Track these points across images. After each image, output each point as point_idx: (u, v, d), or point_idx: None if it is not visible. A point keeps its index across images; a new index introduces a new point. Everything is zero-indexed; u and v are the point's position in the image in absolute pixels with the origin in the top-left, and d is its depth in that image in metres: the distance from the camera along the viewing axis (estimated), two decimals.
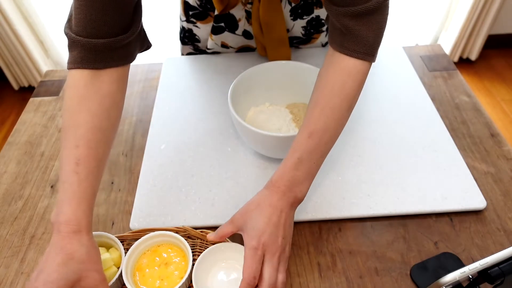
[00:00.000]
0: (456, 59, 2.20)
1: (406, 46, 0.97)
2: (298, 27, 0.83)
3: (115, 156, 0.75)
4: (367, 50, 0.54)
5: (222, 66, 0.90)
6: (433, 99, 0.82)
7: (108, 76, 0.55)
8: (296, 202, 0.56)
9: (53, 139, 0.80)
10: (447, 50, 2.14)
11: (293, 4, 0.76)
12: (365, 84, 0.85)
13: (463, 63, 2.24)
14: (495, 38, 2.23)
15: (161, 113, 0.81)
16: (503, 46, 2.31)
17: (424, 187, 0.66)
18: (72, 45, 0.54)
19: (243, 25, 0.81)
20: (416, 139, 0.73)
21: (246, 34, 0.84)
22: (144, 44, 0.61)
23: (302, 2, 0.77)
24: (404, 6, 1.99)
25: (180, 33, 0.91)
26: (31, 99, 0.89)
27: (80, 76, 0.53)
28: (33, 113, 0.86)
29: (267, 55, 0.84)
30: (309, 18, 0.81)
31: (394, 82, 0.86)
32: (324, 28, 0.86)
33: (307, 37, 0.87)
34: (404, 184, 0.66)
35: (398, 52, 0.94)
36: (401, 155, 0.71)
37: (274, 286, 0.49)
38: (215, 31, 0.83)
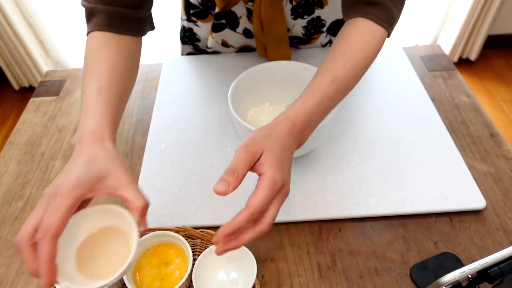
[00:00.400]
0: (455, 59, 2.20)
1: (406, 47, 0.97)
2: (298, 26, 0.83)
3: None
4: (389, 20, 0.57)
5: (222, 66, 0.90)
6: (433, 99, 0.82)
7: (127, 40, 0.59)
8: (298, 147, 0.52)
9: (53, 139, 0.80)
10: (447, 50, 2.14)
11: (294, 3, 0.77)
12: (365, 84, 0.86)
13: (462, 63, 2.24)
14: (495, 38, 2.24)
15: (161, 113, 0.81)
16: (503, 46, 2.32)
17: (424, 187, 0.66)
18: (91, 13, 0.58)
19: (244, 22, 0.81)
20: (416, 139, 0.74)
21: (247, 33, 0.84)
22: (152, 25, 0.67)
23: (303, 2, 0.77)
24: (404, 6, 1.99)
25: (181, 32, 0.91)
26: (31, 99, 0.89)
27: (102, 35, 0.57)
28: (33, 113, 0.86)
29: (267, 55, 0.84)
30: (309, 18, 0.81)
31: (394, 82, 0.86)
32: (324, 29, 0.86)
33: (307, 37, 0.87)
34: (404, 184, 0.66)
35: (398, 52, 0.94)
36: (401, 155, 0.71)
37: (270, 227, 0.44)
38: (216, 28, 0.83)
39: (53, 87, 0.92)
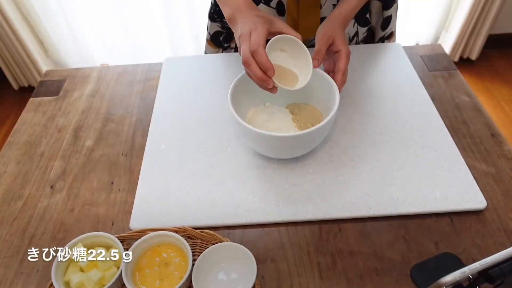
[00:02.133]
0: (456, 59, 2.20)
1: (406, 46, 0.97)
2: (329, 4, 0.84)
3: (115, 156, 0.75)
4: None
5: (222, 66, 0.90)
6: (433, 99, 0.82)
7: None
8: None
9: (53, 139, 0.80)
10: (448, 50, 2.14)
11: None
12: (365, 84, 0.86)
13: (463, 63, 2.24)
14: (495, 38, 2.23)
15: (161, 113, 0.81)
16: (504, 46, 2.31)
17: (424, 187, 0.66)
18: None
19: None
20: (416, 139, 0.73)
21: (280, 8, 0.85)
22: None
23: None
24: (404, 6, 1.99)
25: (211, 9, 0.91)
26: (31, 99, 0.89)
27: None
28: (33, 113, 0.86)
29: (293, 27, 0.84)
30: None
31: (394, 82, 0.86)
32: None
33: None
34: (404, 184, 0.66)
35: (398, 51, 0.94)
36: (401, 155, 0.71)
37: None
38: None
39: (53, 87, 0.92)
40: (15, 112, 2.08)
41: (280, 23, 0.64)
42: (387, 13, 0.90)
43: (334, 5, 0.90)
